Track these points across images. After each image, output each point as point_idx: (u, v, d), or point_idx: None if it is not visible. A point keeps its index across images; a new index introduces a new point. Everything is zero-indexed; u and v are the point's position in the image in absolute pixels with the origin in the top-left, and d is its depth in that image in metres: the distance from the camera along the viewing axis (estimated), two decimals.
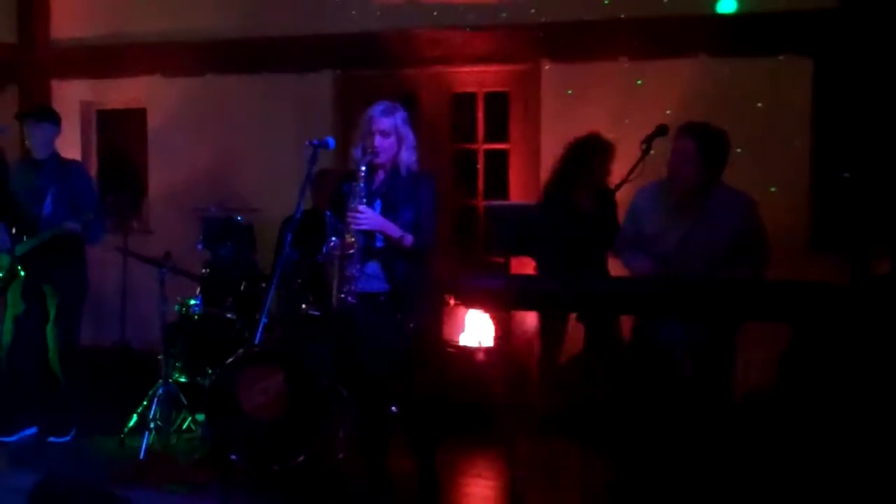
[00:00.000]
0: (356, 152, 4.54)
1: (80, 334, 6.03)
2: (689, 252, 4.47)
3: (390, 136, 4.52)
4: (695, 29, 6.33)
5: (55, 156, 5.91)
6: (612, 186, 5.17)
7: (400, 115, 4.57)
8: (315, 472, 5.19)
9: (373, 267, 4.52)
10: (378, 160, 4.51)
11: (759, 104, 6.13)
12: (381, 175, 4.59)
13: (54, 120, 5.94)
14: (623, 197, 4.87)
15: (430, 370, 5.08)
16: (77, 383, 5.98)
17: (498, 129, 7.00)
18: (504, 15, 6.68)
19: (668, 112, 5.80)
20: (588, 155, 5.60)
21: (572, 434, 5.51)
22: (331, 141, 4.58)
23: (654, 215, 4.60)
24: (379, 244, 4.52)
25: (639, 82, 6.35)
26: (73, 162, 6.16)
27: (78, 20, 7.90)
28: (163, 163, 7.76)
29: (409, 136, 4.59)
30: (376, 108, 4.55)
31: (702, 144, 4.40)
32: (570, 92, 6.59)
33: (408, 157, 4.58)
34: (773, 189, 5.87)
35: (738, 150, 4.59)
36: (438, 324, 6.51)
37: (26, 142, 5.91)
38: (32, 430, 5.95)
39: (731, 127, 4.56)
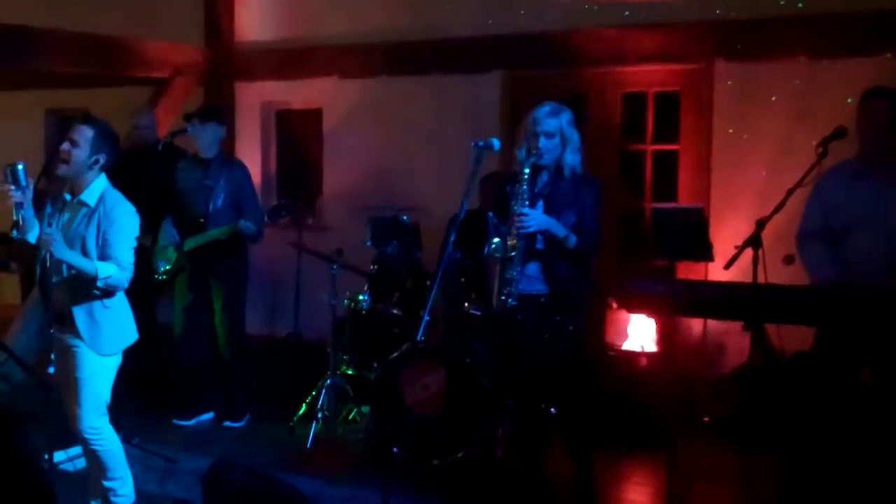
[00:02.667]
0: (520, 153, 4.55)
1: (245, 323, 6.29)
2: (874, 218, 4.48)
3: (555, 137, 4.50)
4: (881, 26, 6.02)
5: (220, 155, 6.16)
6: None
7: (565, 117, 4.54)
8: (473, 468, 5.25)
9: (533, 268, 4.53)
10: (542, 161, 4.51)
11: None
12: (544, 176, 4.59)
13: (220, 120, 6.15)
14: (797, 201, 4.70)
15: (591, 373, 5.03)
16: (247, 370, 6.25)
17: (668, 130, 6.87)
18: (676, 13, 6.55)
19: (848, 114, 5.54)
20: None
21: (737, 442, 5.37)
22: (496, 142, 4.59)
23: (839, 186, 4.62)
24: (540, 246, 4.51)
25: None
26: (236, 161, 6.41)
27: (261, 24, 8.23)
28: (337, 162, 7.99)
29: (574, 137, 4.55)
30: (541, 110, 4.53)
31: (894, 105, 4.44)
32: (743, 101, 6.39)
33: (572, 158, 4.55)
34: None
35: None
36: (600, 327, 6.45)
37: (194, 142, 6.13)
38: (209, 415, 6.25)
39: None
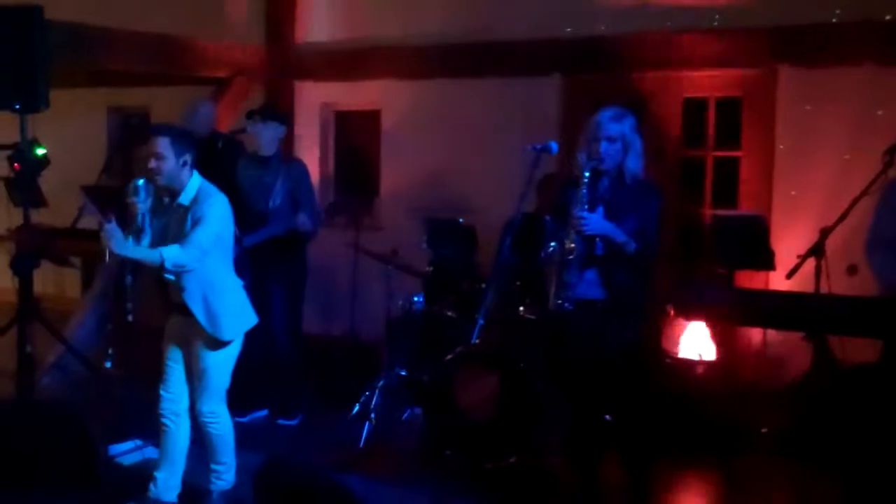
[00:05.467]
0: (581, 157, 4.52)
1: (303, 322, 6.31)
2: None
3: (617, 142, 4.46)
4: None
5: (279, 153, 6.20)
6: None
7: (628, 122, 4.50)
8: (526, 474, 5.21)
9: (591, 274, 4.49)
10: (603, 166, 4.47)
11: None
12: (605, 181, 4.54)
13: (280, 119, 6.19)
14: (862, 211, 4.61)
15: (647, 381, 4.96)
16: (303, 369, 6.28)
17: (729, 136, 6.78)
18: (739, 17, 6.45)
19: None
20: None
21: (795, 455, 5.28)
22: (553, 145, 4.57)
23: None
24: (599, 251, 4.47)
25: None
26: (295, 160, 6.44)
27: (321, 25, 8.28)
28: (394, 163, 8.00)
29: (637, 143, 4.52)
30: (604, 114, 4.50)
31: None
32: (807, 107, 6.27)
33: (634, 164, 4.51)
34: None
35: None
36: (657, 335, 6.37)
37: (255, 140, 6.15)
38: (263, 413, 6.29)
39: None
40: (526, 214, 5.44)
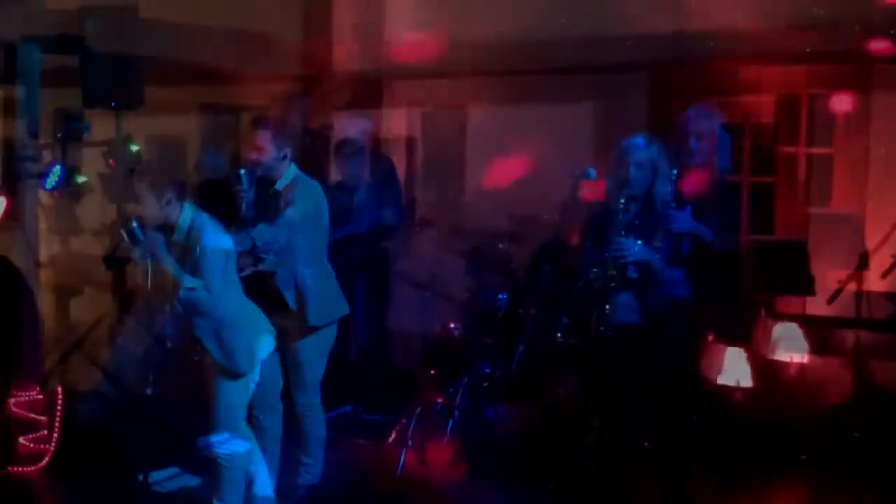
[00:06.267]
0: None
1: (387, 320, 6.34)
2: None
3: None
4: None
5: (366, 150, 6.25)
6: None
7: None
8: (608, 477, 5.10)
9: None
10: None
11: None
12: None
13: (367, 116, 6.28)
14: None
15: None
16: (386, 366, 6.31)
17: (822, 132, 6.61)
18: (832, 11, 6.27)
19: None
20: None
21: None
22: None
23: None
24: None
25: None
26: (382, 156, 6.49)
27: (408, 23, 8.30)
28: (478, 161, 7.99)
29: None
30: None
31: None
32: None
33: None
34: None
35: None
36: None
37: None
38: (347, 409, 6.35)
39: None
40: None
